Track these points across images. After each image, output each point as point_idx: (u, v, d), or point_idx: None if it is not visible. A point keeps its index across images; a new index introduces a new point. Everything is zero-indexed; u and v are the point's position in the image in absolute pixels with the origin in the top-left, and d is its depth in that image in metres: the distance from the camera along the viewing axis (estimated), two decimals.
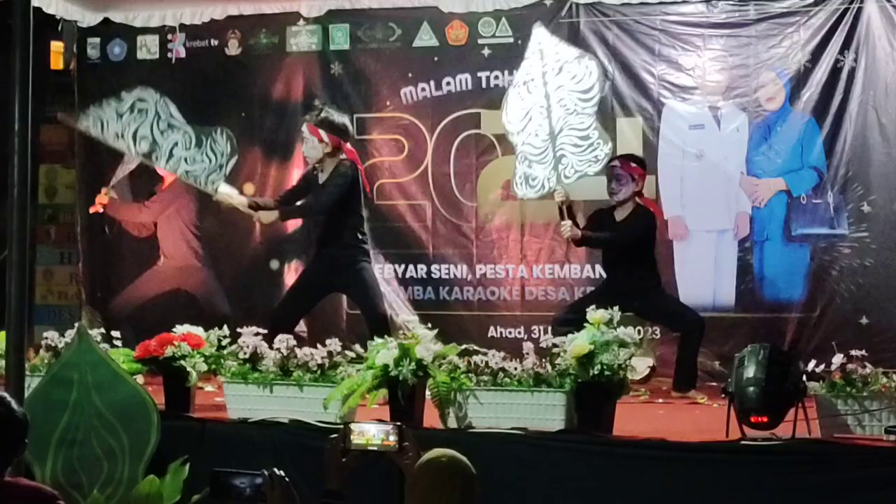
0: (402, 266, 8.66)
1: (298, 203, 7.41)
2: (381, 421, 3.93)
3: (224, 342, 6.32)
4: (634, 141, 8.19)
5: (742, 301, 8.08)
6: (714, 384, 7.23)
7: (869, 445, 5.42)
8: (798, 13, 7.94)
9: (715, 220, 8.18)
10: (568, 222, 7.33)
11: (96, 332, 6.41)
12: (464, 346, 5.95)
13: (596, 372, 5.53)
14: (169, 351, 6.20)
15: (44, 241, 9.70)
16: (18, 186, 4.84)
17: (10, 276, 4.83)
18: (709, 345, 7.66)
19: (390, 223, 8.67)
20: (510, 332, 8.36)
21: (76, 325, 6.27)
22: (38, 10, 7.69)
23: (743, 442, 5.43)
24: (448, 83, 8.59)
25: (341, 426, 3.73)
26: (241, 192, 7.83)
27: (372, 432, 3.65)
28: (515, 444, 5.56)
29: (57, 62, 9.23)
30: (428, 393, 5.80)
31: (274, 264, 8.87)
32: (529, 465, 5.51)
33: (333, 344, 6.06)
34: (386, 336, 6.07)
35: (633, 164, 7.46)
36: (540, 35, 7.48)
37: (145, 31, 9.00)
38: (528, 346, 5.82)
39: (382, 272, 8.38)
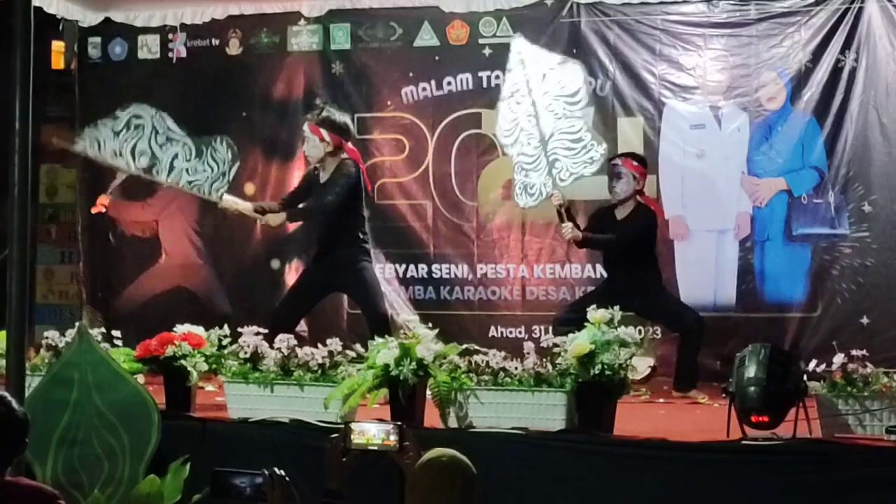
0: (403, 265, 8.66)
1: (304, 204, 7.39)
2: (381, 420, 3.92)
3: (225, 342, 6.33)
4: (635, 140, 8.19)
5: (743, 301, 8.07)
6: (715, 384, 7.22)
7: (870, 445, 5.42)
8: (799, 13, 7.94)
9: (716, 220, 8.17)
10: (569, 224, 7.33)
11: (97, 332, 6.42)
12: (464, 346, 5.96)
13: (597, 372, 5.53)
14: (170, 350, 6.21)
15: (44, 241, 9.71)
16: (19, 186, 4.84)
17: (10, 276, 4.83)
18: (710, 345, 7.66)
19: (391, 223, 8.67)
20: (511, 332, 8.36)
21: (77, 324, 6.27)
22: (38, 9, 7.69)
23: (744, 442, 5.43)
24: (449, 83, 8.59)
25: (342, 426, 3.73)
26: (243, 192, 7.83)
27: (372, 432, 3.64)
28: (516, 443, 5.57)
29: (58, 62, 9.24)
30: (428, 392, 5.81)
31: (275, 264, 8.87)
32: (530, 464, 5.52)
33: (334, 343, 6.06)
34: (387, 336, 6.07)
35: (635, 163, 7.47)
36: (519, 46, 7.50)
37: (146, 30, 9.00)
38: (528, 346, 5.82)
39: (383, 272, 8.38)
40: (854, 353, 5.67)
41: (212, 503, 3.93)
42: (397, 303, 8.47)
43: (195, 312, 8.04)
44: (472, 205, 8.59)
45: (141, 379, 6.19)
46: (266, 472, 3.45)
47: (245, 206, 7.41)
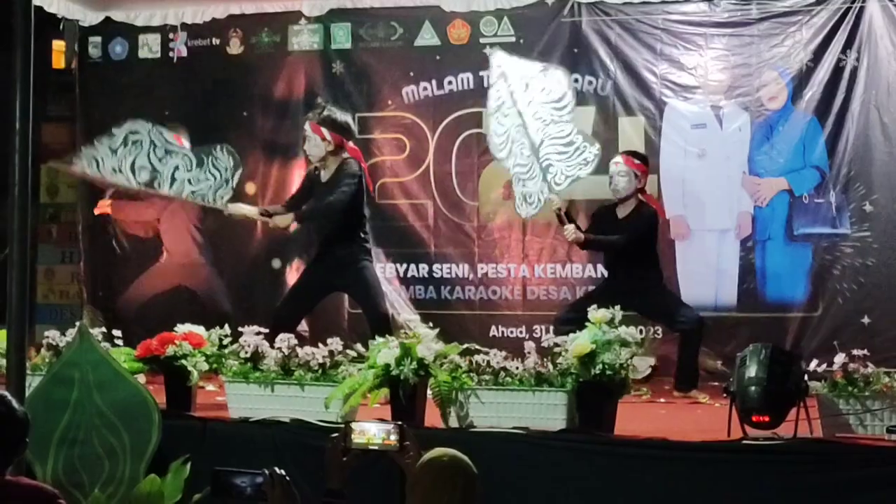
0: (404, 265, 8.66)
1: (308, 204, 7.37)
2: (382, 420, 3.92)
3: (225, 341, 6.32)
4: (636, 140, 8.19)
5: (744, 301, 8.07)
6: (716, 384, 7.21)
7: (871, 445, 5.41)
8: (800, 12, 7.94)
9: (717, 220, 8.17)
10: (571, 227, 7.31)
11: (97, 331, 6.42)
12: (465, 346, 5.95)
13: (597, 371, 5.53)
14: (170, 350, 6.20)
15: (45, 240, 9.72)
16: (19, 185, 4.83)
17: (11, 276, 4.83)
18: (711, 344, 7.67)
19: (392, 222, 8.67)
20: (512, 332, 8.36)
21: (77, 324, 6.26)
22: (39, 8, 7.70)
23: (745, 441, 5.42)
24: (450, 82, 8.59)
25: (342, 425, 3.73)
26: (244, 192, 7.83)
27: (373, 431, 3.64)
28: (517, 443, 5.56)
29: (58, 61, 9.24)
30: (429, 392, 5.80)
31: (276, 263, 8.87)
32: (531, 464, 5.51)
33: (335, 343, 6.05)
34: (387, 335, 6.07)
35: (636, 161, 7.46)
36: (499, 59, 7.47)
37: (147, 30, 9.01)
38: (529, 346, 5.81)
39: (384, 271, 8.38)
40: (855, 352, 5.66)
41: (212, 503, 3.93)
42: (398, 302, 8.47)
43: (196, 312, 8.04)
44: (473, 204, 8.59)
45: (142, 378, 6.19)
46: (267, 471, 3.45)
47: (251, 212, 7.46)
